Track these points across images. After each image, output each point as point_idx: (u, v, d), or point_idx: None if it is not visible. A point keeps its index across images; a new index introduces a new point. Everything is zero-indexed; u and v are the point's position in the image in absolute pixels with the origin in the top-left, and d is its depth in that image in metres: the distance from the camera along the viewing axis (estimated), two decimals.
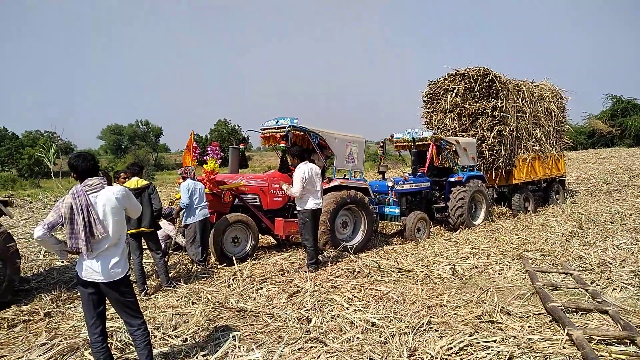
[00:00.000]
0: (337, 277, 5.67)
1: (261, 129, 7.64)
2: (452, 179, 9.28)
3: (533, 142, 11.36)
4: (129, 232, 5.12)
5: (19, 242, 5.69)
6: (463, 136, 10.27)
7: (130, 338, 3.33)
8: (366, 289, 5.13)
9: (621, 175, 17.46)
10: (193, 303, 4.85)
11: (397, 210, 8.17)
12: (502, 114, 10.10)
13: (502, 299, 4.68)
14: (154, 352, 3.35)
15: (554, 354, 3.33)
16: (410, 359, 3.36)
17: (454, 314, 4.28)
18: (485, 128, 10.28)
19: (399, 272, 5.78)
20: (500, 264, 6.13)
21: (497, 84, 10.06)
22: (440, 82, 11.15)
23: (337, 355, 3.46)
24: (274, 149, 7.94)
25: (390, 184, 8.42)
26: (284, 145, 6.99)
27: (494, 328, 3.93)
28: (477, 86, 10.25)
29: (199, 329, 4.11)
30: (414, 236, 8.03)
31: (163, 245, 6.63)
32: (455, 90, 10.67)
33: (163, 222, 7.39)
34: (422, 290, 5.01)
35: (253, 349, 3.62)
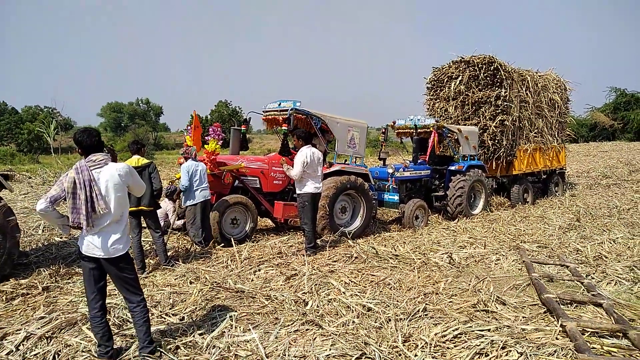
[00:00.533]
0: (335, 261, 5.71)
1: (263, 111, 7.59)
2: (453, 168, 9.27)
3: (535, 132, 11.29)
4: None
5: (18, 216, 5.69)
6: (465, 125, 10.21)
7: (129, 314, 3.36)
8: (363, 274, 5.17)
9: (621, 169, 17.43)
10: (191, 282, 4.88)
11: (396, 197, 8.17)
12: (505, 103, 10.03)
13: (498, 289, 4.72)
14: (151, 329, 3.38)
15: (547, 344, 3.37)
16: (404, 345, 3.40)
17: (449, 302, 4.32)
18: (487, 117, 10.21)
19: (396, 258, 5.81)
20: (497, 254, 6.17)
21: (502, 72, 9.96)
22: (444, 69, 11.03)
23: (332, 338, 3.50)
24: (276, 131, 7.90)
25: (390, 170, 8.40)
26: (286, 127, 6.95)
27: (488, 317, 3.97)
28: (482, 74, 10.16)
29: (196, 308, 4.15)
30: (412, 224, 8.06)
31: (162, 224, 6.64)
32: (459, 78, 10.57)
33: (164, 201, 7.39)
34: (418, 278, 5.05)
35: (250, 329, 3.66)
